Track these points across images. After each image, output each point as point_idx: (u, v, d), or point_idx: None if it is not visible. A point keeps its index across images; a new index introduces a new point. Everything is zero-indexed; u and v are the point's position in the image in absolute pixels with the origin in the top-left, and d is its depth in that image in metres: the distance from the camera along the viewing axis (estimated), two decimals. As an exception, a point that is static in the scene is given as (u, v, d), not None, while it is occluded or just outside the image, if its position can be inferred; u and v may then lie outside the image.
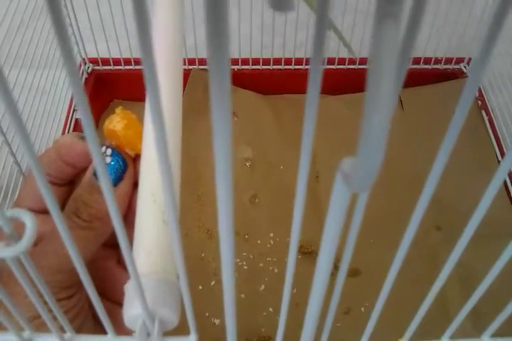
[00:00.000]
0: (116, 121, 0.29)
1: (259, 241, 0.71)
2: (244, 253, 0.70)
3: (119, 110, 0.30)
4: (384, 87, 0.09)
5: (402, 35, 0.10)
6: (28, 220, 0.17)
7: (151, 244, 0.25)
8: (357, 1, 0.77)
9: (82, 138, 0.31)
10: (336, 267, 0.60)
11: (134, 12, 0.12)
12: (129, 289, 0.23)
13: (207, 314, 0.64)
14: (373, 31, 0.09)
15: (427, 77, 0.87)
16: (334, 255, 0.16)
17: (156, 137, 0.14)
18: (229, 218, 0.15)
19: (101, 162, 0.15)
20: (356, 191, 0.12)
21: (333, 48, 0.81)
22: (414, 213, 0.15)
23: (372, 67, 0.09)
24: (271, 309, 0.66)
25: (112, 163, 0.30)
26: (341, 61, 0.84)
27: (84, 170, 0.31)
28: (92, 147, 0.15)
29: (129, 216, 0.30)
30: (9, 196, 0.59)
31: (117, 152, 0.30)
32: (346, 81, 0.83)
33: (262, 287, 0.68)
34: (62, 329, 0.22)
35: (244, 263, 0.69)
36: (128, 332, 0.23)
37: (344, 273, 0.17)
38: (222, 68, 0.11)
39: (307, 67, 0.86)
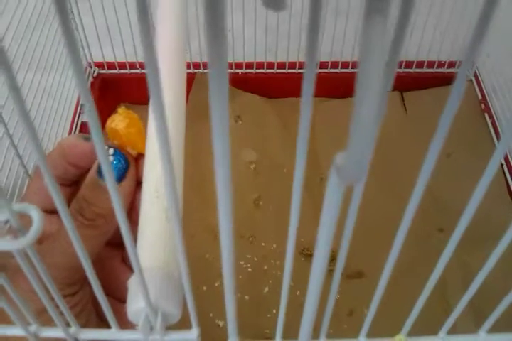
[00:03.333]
0: (119, 120, 0.30)
1: (263, 244, 0.72)
2: (249, 256, 0.71)
3: (121, 110, 0.30)
4: (373, 80, 0.09)
5: (392, 30, 0.10)
6: (35, 214, 0.17)
7: (154, 240, 0.26)
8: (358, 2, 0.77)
9: (86, 138, 0.32)
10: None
11: (137, 17, 0.12)
12: (133, 284, 0.23)
13: (211, 315, 0.65)
14: (362, 28, 0.09)
15: (430, 80, 0.87)
16: (330, 249, 0.16)
17: (157, 134, 0.15)
18: (228, 220, 0.16)
19: (106, 161, 0.16)
20: (349, 182, 0.13)
21: (337, 51, 0.82)
22: (407, 209, 0.15)
23: (362, 62, 0.09)
24: (275, 311, 0.66)
25: (114, 162, 0.30)
26: (345, 65, 0.85)
27: (87, 170, 0.32)
28: (97, 146, 0.15)
29: (132, 214, 0.31)
30: (15, 197, 0.60)
31: (119, 151, 0.30)
32: (350, 84, 0.83)
33: (266, 289, 0.68)
34: (67, 325, 0.23)
35: (249, 265, 0.70)
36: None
37: (342, 264, 0.17)
38: (222, 72, 0.12)
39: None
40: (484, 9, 0.11)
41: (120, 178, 0.30)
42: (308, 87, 0.13)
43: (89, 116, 0.14)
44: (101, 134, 0.15)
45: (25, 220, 0.18)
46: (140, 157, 0.31)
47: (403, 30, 0.10)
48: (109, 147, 0.30)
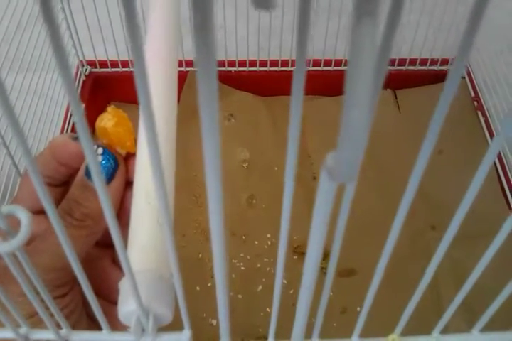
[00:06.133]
0: (107, 119, 0.29)
1: (256, 242, 0.72)
2: (242, 254, 0.70)
3: (110, 108, 0.30)
4: (362, 81, 0.09)
5: (381, 31, 0.10)
6: (24, 216, 0.17)
7: (145, 242, 0.26)
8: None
9: (75, 138, 0.32)
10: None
11: (125, 16, 0.12)
12: (124, 285, 0.23)
13: (204, 315, 0.64)
14: (351, 29, 0.09)
15: (423, 78, 0.87)
16: (322, 248, 0.16)
17: (147, 137, 0.15)
18: (219, 220, 0.15)
19: (94, 161, 0.15)
20: (340, 182, 0.13)
21: (330, 49, 0.82)
22: (400, 207, 0.15)
23: (351, 63, 0.09)
24: (268, 309, 0.66)
25: (103, 161, 0.30)
26: (338, 62, 0.85)
27: (78, 170, 0.31)
28: (85, 146, 0.15)
29: (121, 215, 0.31)
30: (7, 198, 0.60)
31: (108, 151, 0.30)
32: (343, 82, 0.83)
33: (259, 287, 0.68)
34: (57, 326, 0.23)
35: (242, 263, 0.70)
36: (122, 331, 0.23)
37: (334, 263, 0.17)
38: (210, 75, 0.12)
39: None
40: (475, 6, 0.11)
41: (109, 178, 0.30)
42: (297, 85, 0.13)
43: (77, 117, 0.14)
44: (88, 135, 0.15)
45: (13, 221, 0.17)
46: (129, 156, 0.31)
47: (392, 30, 0.10)
48: (98, 146, 0.30)
